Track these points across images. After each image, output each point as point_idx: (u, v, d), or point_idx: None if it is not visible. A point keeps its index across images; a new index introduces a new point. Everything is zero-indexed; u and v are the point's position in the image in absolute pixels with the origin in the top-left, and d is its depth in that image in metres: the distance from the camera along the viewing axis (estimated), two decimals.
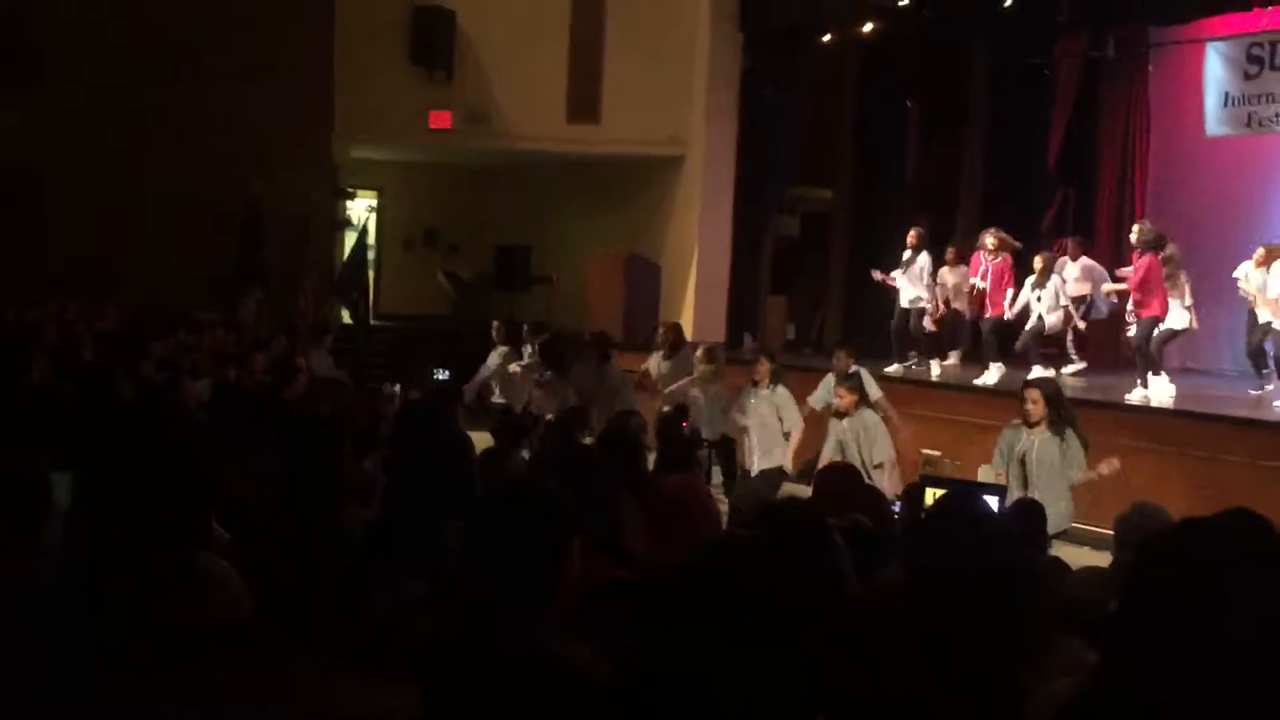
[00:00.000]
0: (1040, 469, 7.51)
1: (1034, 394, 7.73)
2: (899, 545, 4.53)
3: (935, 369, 12.66)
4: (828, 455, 8.51)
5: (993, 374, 11.73)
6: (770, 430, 9.39)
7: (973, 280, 12.49)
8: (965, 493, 5.40)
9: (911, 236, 13.07)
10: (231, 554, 2.62)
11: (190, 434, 4.89)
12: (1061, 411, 7.69)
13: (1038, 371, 11.35)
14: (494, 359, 12.84)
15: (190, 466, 2.29)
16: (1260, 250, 11.30)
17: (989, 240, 12.34)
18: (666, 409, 8.61)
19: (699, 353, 10.62)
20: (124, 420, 5.56)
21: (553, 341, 11.72)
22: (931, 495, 5.49)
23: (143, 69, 14.09)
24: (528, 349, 12.45)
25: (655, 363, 11.21)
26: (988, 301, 12.36)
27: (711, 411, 10.14)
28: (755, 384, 9.56)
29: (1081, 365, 12.55)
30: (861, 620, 2.76)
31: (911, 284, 12.90)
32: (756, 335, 15.57)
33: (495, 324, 13.24)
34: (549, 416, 9.73)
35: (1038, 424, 7.61)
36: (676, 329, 11.69)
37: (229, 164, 14.36)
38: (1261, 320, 11.06)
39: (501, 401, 11.86)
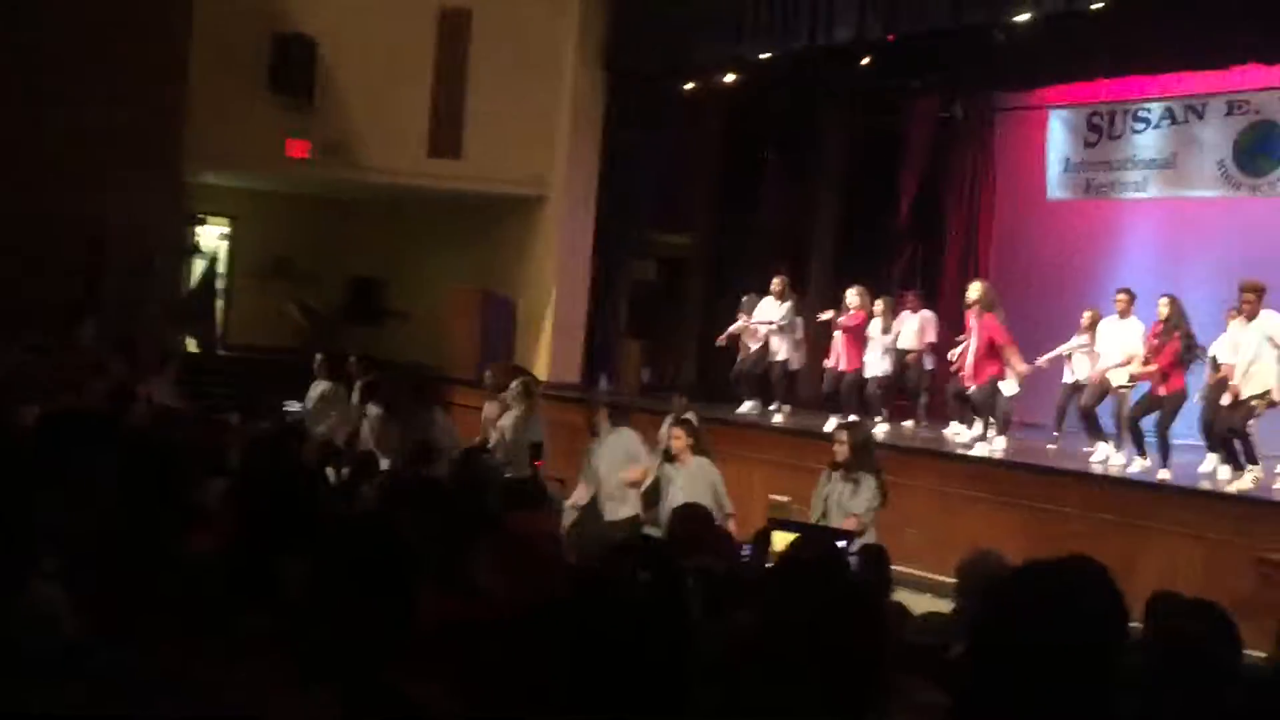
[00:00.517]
0: (834, 510, 7.69)
1: (842, 436, 7.93)
2: (751, 589, 4.58)
3: (778, 417, 12.92)
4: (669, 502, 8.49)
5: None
6: (618, 479, 9.23)
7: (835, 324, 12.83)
8: (820, 538, 5.50)
9: (777, 284, 13.33)
10: (63, 581, 2.52)
11: (16, 461, 4.69)
12: (866, 458, 7.88)
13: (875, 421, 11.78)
14: (314, 393, 12.57)
15: (14, 493, 2.20)
16: (1087, 314, 11.78)
17: (854, 297, 12.66)
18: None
19: (514, 384, 10.63)
20: None
21: (377, 382, 11.59)
22: (781, 539, 5.55)
23: None
24: (356, 384, 12.24)
25: (490, 407, 11.17)
26: (844, 355, 12.66)
27: (516, 443, 10.07)
28: (595, 433, 9.45)
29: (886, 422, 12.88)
30: (708, 662, 2.77)
31: (779, 333, 13.18)
32: (612, 378, 15.63)
33: (318, 357, 12.97)
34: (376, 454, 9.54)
35: (841, 467, 7.80)
36: (508, 370, 11.67)
37: (74, 185, 13.89)
38: (1096, 381, 11.40)
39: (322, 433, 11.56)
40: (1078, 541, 8.53)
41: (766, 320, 13.17)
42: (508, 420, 10.38)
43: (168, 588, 2.63)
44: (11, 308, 12.88)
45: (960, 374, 11.61)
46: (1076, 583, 1.98)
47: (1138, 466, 10.36)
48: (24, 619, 2.22)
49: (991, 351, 11.15)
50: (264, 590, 2.65)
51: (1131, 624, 2.46)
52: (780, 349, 13.24)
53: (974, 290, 11.49)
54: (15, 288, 13.27)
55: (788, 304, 13.26)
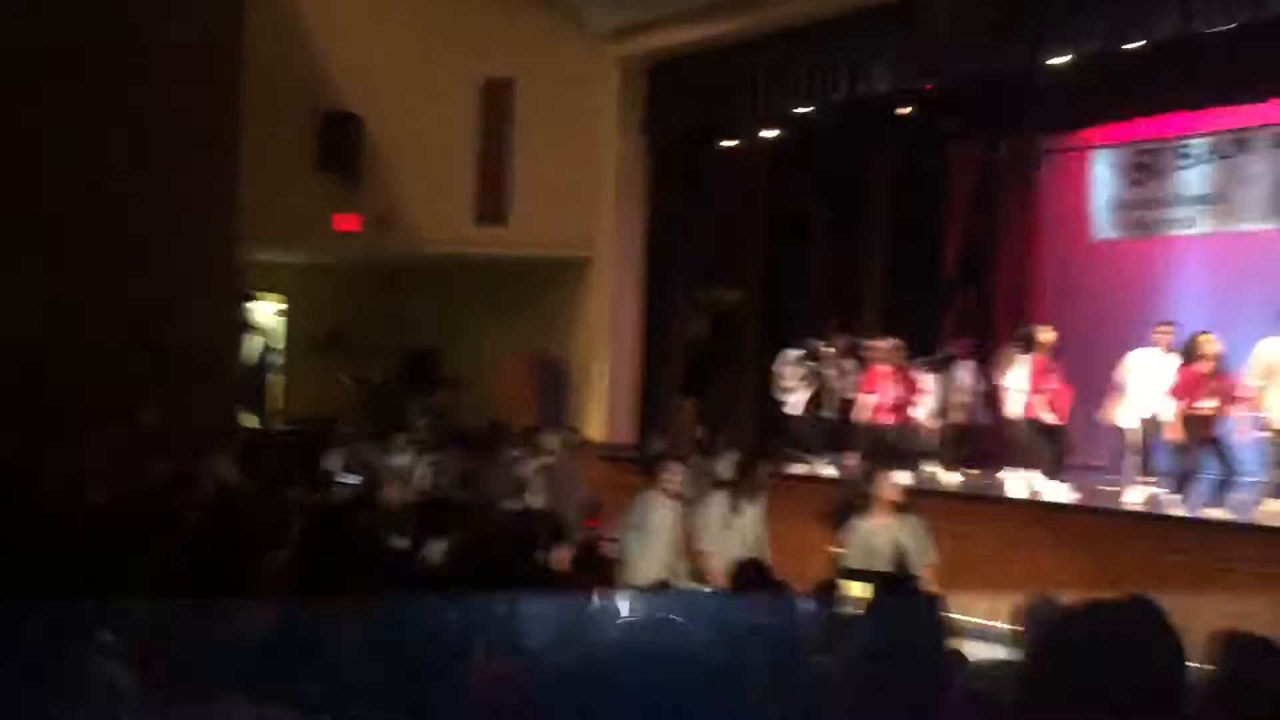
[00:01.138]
0: (910, 556, 7.54)
1: (891, 479, 7.84)
2: (829, 636, 4.57)
3: (831, 469, 12.87)
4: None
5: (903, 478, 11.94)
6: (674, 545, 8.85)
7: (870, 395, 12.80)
8: (903, 585, 5.48)
9: (842, 343, 13.46)
10: (126, 657, 2.56)
11: (82, 542, 4.78)
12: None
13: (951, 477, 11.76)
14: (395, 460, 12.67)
15: (81, 573, 2.25)
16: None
17: (886, 350, 12.68)
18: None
19: (551, 435, 10.70)
20: (13, 528, 5.41)
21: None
22: (857, 589, 5.54)
23: (48, 164, 13.88)
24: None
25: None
26: (891, 409, 12.65)
27: (551, 487, 10.19)
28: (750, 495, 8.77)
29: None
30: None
31: (845, 385, 13.28)
32: (666, 435, 15.59)
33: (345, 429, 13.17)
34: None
35: (889, 509, 7.67)
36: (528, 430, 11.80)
37: (130, 270, 14.13)
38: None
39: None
40: (1144, 585, 8.40)
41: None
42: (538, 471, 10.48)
43: (230, 662, 2.66)
44: (72, 393, 13.11)
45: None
46: (1132, 623, 1.97)
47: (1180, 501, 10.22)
48: (85, 696, 2.25)
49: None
50: (322, 662, 2.68)
51: (1195, 665, 2.43)
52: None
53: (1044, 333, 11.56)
54: (74, 374, 13.50)
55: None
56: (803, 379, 13.31)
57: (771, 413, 14.54)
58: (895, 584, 5.70)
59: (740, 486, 8.63)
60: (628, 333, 16.20)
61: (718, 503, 8.60)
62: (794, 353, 13.41)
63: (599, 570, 5.81)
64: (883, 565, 7.38)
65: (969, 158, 16.12)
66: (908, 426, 12.67)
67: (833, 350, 13.56)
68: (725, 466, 9.80)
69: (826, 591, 5.84)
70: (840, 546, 7.85)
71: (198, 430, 12.70)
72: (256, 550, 4.80)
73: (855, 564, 7.36)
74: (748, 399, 16.57)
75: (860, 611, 4.57)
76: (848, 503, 7.90)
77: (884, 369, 12.64)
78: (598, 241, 16.29)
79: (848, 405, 13.30)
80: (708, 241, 16.39)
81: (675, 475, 8.90)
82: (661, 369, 16.36)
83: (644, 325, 16.25)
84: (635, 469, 9.89)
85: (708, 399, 17.08)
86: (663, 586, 8.58)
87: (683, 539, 8.82)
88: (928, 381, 12.84)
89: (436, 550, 7.03)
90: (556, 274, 16.67)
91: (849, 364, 13.64)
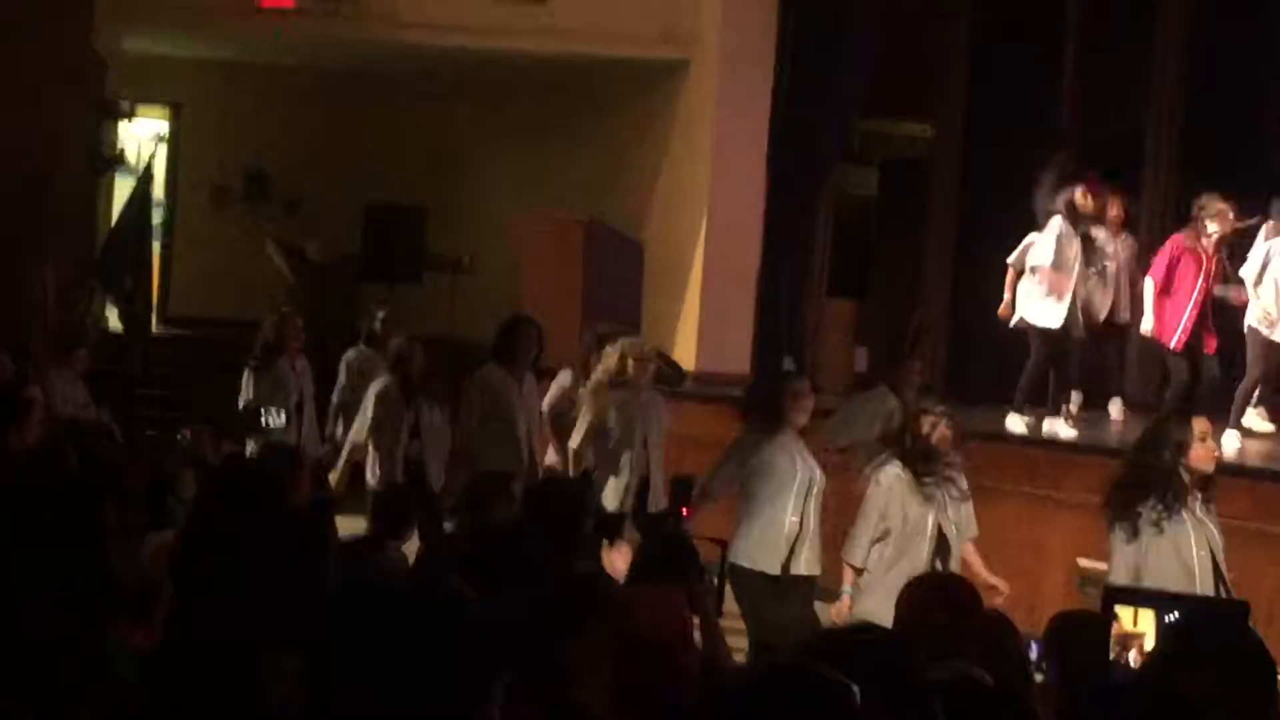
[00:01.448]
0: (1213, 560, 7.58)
1: (1206, 431, 7.85)
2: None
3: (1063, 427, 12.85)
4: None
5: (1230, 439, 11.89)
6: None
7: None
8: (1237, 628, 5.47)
9: (1115, 209, 13.34)
10: None
11: None
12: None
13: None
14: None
15: None
16: None
17: (1215, 216, 12.58)
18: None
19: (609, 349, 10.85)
20: None
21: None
22: (1132, 617, 5.49)
23: None
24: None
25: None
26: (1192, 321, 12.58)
27: (621, 438, 10.41)
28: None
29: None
30: None
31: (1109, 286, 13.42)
32: (801, 360, 15.57)
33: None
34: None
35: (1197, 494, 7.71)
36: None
37: None
38: None
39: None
40: None
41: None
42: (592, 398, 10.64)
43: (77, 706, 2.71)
44: None
45: None
46: None
47: None
48: None
49: None
50: (232, 701, 2.72)
51: None
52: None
53: None
54: None
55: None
56: (1061, 274, 13.15)
57: (978, 328, 14.48)
58: (1213, 619, 5.65)
59: (926, 453, 8.61)
60: (742, 189, 16.16)
61: (888, 481, 8.60)
62: (1060, 225, 13.22)
63: (685, 574, 5.80)
64: (1188, 584, 7.38)
65: None
66: (1215, 351, 12.63)
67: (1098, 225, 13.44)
68: (900, 417, 9.80)
69: (1078, 630, 5.82)
70: (1108, 558, 7.84)
71: (25, 329, 12.91)
72: (119, 526, 4.86)
73: (1136, 581, 7.36)
74: (940, 303, 16.50)
75: (1143, 664, 4.55)
76: (1131, 481, 7.91)
77: (1184, 254, 12.54)
78: (697, 37, 16.23)
79: (1114, 319, 13.25)
80: (878, 44, 16.27)
81: (807, 400, 9.15)
82: (795, 251, 16.32)
83: (769, 175, 16.20)
84: (745, 410, 9.99)
85: (873, 301, 17.04)
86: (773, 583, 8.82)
87: (817, 519, 9.01)
88: (1254, 274, 12.68)
89: (410, 546, 7.14)
90: (627, 88, 16.68)
91: (1121, 249, 13.50)
